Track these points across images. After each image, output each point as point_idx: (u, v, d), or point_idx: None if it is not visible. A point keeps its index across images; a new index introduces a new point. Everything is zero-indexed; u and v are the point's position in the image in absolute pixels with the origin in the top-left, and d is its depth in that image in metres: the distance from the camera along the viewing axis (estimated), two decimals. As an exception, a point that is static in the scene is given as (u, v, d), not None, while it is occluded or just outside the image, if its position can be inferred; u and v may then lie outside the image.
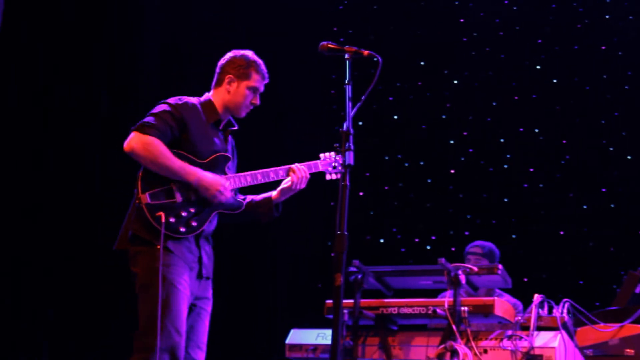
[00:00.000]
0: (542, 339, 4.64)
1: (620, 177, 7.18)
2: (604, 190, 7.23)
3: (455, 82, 7.78)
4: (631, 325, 5.02)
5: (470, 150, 7.64)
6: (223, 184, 4.55)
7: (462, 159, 7.67)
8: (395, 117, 7.82)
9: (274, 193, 4.80)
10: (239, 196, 4.81)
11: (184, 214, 4.48)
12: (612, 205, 7.19)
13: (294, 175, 4.66)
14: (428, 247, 7.68)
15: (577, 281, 7.15)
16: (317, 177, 4.74)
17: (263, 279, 7.66)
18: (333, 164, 4.74)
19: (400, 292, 5.21)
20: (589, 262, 7.14)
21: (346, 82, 3.75)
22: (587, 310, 5.55)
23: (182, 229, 4.46)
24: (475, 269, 4.81)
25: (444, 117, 7.69)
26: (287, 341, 5.23)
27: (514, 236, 7.37)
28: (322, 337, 5.11)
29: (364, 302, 4.98)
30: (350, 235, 7.66)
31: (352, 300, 4.96)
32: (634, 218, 7.07)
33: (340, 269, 3.31)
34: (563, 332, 4.68)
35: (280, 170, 4.73)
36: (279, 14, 7.61)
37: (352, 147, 3.49)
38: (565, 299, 4.84)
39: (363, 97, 3.69)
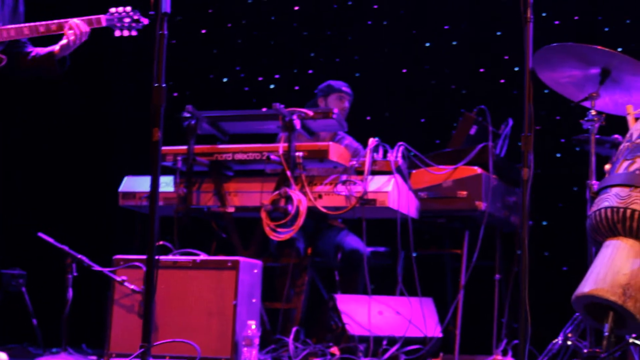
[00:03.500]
0: (376, 184, 4.68)
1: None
2: (446, 27, 7.21)
3: None
4: (464, 167, 5.10)
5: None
6: None
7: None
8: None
9: (56, 47, 4.35)
10: (29, 48, 4.42)
11: None
12: (454, 43, 7.20)
13: (71, 33, 4.28)
14: (271, 86, 7.56)
15: (418, 120, 7.19)
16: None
17: (95, 129, 7.43)
18: (123, 18, 4.29)
19: (243, 137, 5.15)
20: (430, 100, 7.19)
21: None
22: (428, 149, 5.62)
23: None
24: (311, 113, 4.76)
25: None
26: (121, 189, 5.11)
27: (357, 74, 7.31)
28: (157, 184, 5.00)
29: (198, 148, 4.89)
30: (192, 74, 7.54)
31: (185, 147, 4.86)
32: (475, 57, 7.11)
33: (157, 123, 3.16)
34: (397, 175, 4.72)
35: (52, 24, 4.29)
36: None
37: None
38: (400, 143, 4.85)
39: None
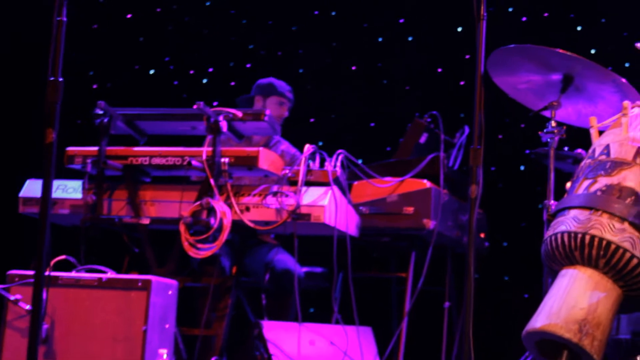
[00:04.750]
0: (311, 196, 4.63)
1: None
2: (401, 21, 7.21)
3: None
4: (412, 180, 5.07)
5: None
6: None
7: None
8: None
9: None
10: None
11: None
12: (410, 39, 7.19)
13: None
14: (204, 81, 7.50)
15: (367, 124, 7.17)
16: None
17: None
18: None
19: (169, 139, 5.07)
20: (381, 102, 7.17)
21: None
22: (378, 157, 5.60)
23: None
24: (240, 114, 4.69)
25: None
26: (21, 194, 5.01)
27: (300, 70, 7.28)
28: (63, 189, 4.92)
29: (111, 150, 4.80)
30: (115, 64, 7.45)
31: (96, 148, 4.77)
32: (433, 55, 7.12)
33: (52, 123, 3.08)
34: (335, 187, 4.67)
35: None
36: None
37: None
38: (340, 150, 4.81)
39: None
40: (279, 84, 5.83)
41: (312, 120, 7.24)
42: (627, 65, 6.50)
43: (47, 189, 3.16)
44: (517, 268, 6.68)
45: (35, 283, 3.13)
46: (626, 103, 3.68)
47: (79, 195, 4.84)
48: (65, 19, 3.17)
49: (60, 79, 3.20)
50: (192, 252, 4.55)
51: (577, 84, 4.18)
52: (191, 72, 7.54)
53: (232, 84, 7.37)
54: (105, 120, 4.78)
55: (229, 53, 7.50)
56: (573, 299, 3.42)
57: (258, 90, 5.86)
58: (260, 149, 4.65)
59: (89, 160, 4.77)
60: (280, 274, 5.24)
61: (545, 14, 6.96)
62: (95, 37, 7.57)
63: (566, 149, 4.67)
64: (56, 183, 4.92)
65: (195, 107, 4.59)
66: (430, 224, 5.01)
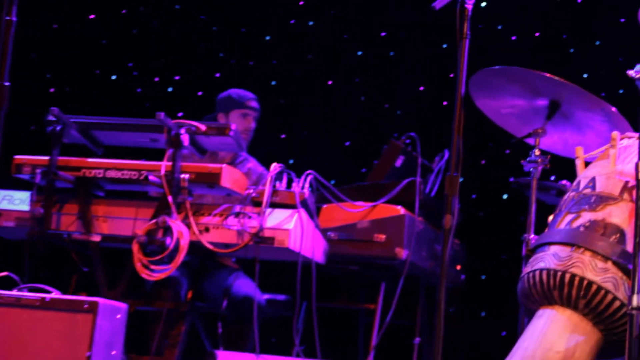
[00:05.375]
0: (276, 219, 4.60)
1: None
2: (383, 34, 7.21)
3: None
4: (385, 205, 5.06)
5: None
6: None
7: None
8: None
9: None
10: None
11: None
12: (391, 54, 7.20)
13: None
14: (170, 90, 7.47)
15: (342, 142, 7.16)
16: None
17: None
18: None
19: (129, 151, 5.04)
20: (358, 120, 7.17)
21: None
22: (353, 179, 5.58)
23: None
24: (203, 127, 4.67)
25: None
26: (-38, 203, 4.96)
27: (273, 82, 7.26)
28: (9, 200, 4.87)
29: (63, 160, 4.76)
30: (75, 68, 7.40)
31: (47, 157, 4.73)
32: (415, 72, 7.12)
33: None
34: (302, 210, 4.65)
35: None
36: None
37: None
38: (309, 171, 4.78)
39: None
40: (238, 95, 5.80)
41: (283, 136, 7.22)
42: (621, 92, 6.52)
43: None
44: (496, 303, 6.67)
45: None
46: (615, 134, 3.68)
47: (26, 207, 4.78)
48: (15, 18, 3.13)
49: (7, 84, 3.16)
50: (144, 274, 4.51)
51: (564, 110, 4.19)
52: (156, 79, 7.50)
53: (200, 93, 7.34)
54: (58, 128, 4.74)
55: (197, 61, 7.48)
56: (549, 342, 3.41)
57: (218, 106, 5.85)
58: (224, 166, 4.62)
59: (38, 171, 4.72)
60: (239, 300, 5.21)
61: (537, 34, 6.98)
62: (54, 37, 7.54)
63: (552, 178, 4.67)
64: (2, 193, 4.89)
65: (155, 118, 4.56)
66: (402, 253, 5.00)
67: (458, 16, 3.65)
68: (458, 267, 5.72)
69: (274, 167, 4.74)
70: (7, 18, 3.13)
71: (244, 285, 5.28)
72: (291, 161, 6.80)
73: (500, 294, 6.56)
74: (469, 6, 3.61)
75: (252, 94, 5.82)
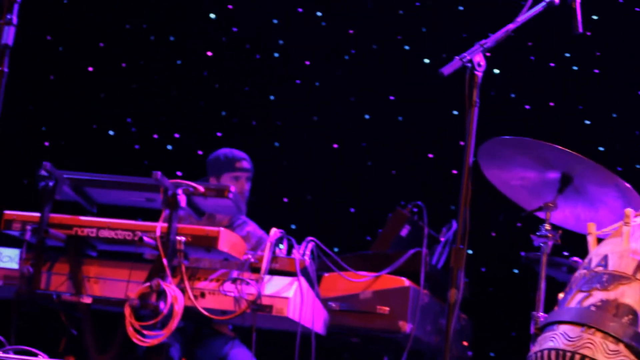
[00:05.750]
0: (275, 286, 4.62)
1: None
2: (392, 98, 7.28)
3: None
4: (389, 276, 5.07)
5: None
6: None
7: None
8: None
9: None
10: None
11: None
12: (400, 119, 7.25)
13: None
14: (169, 147, 7.52)
15: (347, 209, 7.19)
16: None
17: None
18: None
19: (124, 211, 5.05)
20: (365, 186, 7.20)
21: None
22: (357, 247, 5.59)
23: None
24: (201, 188, 4.70)
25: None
26: (-50, 259, 4.98)
27: (276, 144, 7.31)
28: (-7, 258, 4.90)
29: (55, 217, 4.79)
30: (71, 121, 7.44)
31: (38, 214, 4.76)
32: (424, 139, 7.17)
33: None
34: (302, 278, 4.67)
35: None
36: None
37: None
38: (310, 238, 4.81)
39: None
40: (226, 157, 5.81)
41: (285, 200, 7.25)
42: (638, 166, 6.57)
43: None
44: (505, 383, 6.66)
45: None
46: (628, 211, 3.70)
47: (15, 265, 4.80)
48: (6, 69, 3.18)
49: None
50: (136, 339, 4.51)
51: (576, 184, 4.21)
52: (155, 136, 7.55)
53: (200, 152, 7.38)
54: (51, 184, 4.76)
55: (198, 118, 7.53)
56: None
57: (209, 169, 5.86)
58: (222, 229, 4.64)
59: (28, 227, 4.73)
60: (235, 371, 5.20)
61: (551, 103, 7.04)
62: (54, 88, 7.60)
63: (566, 254, 4.69)
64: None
65: (152, 177, 4.59)
66: (406, 327, 5.00)
67: (467, 83, 3.69)
68: (465, 343, 5.71)
69: (274, 232, 4.77)
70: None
71: (240, 355, 5.28)
72: (293, 226, 6.83)
73: (510, 373, 6.57)
74: (479, 73, 3.66)
75: (243, 154, 5.82)
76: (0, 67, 3.16)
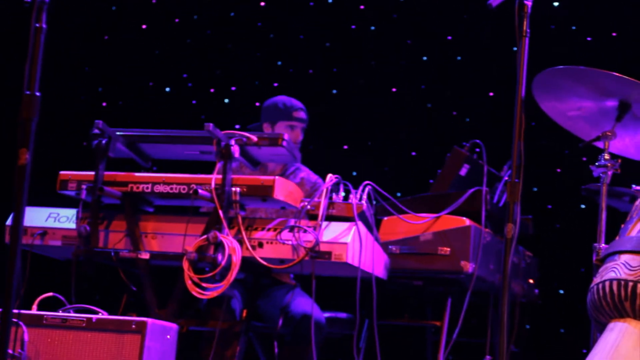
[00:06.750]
0: (332, 232, 4.58)
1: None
2: (449, 37, 7.18)
3: None
4: (449, 216, 5.02)
5: None
6: None
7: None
8: None
9: None
10: None
11: None
12: (459, 58, 7.17)
13: None
14: (226, 101, 7.51)
15: (409, 152, 7.14)
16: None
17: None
18: None
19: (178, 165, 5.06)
20: (425, 128, 7.14)
21: None
22: (419, 190, 5.54)
23: None
24: (254, 138, 4.66)
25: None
26: (9, 222, 5.02)
27: (334, 91, 7.27)
28: (55, 218, 4.92)
29: (109, 175, 4.80)
30: (127, 80, 7.46)
31: (93, 173, 4.77)
32: (484, 77, 7.08)
33: (27, 143, 3.07)
34: (360, 223, 4.62)
35: None
36: None
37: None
38: (367, 182, 4.76)
39: None
40: (285, 104, 5.77)
41: (345, 147, 7.21)
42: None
43: (17, 217, 3.16)
44: (575, 319, 6.57)
45: (2, 323, 3.11)
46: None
47: (72, 225, 4.82)
48: (45, 25, 3.15)
49: (38, 94, 3.18)
50: (196, 292, 4.51)
51: (635, 112, 4.12)
52: (212, 90, 7.54)
53: (257, 104, 7.36)
54: (104, 141, 4.77)
55: (254, 70, 7.50)
56: (622, 357, 3.35)
57: (264, 115, 5.83)
58: (277, 177, 4.61)
59: (84, 186, 4.75)
60: (297, 319, 5.18)
61: (614, 34, 6.89)
62: (105, 48, 7.62)
63: (635, 187, 4.60)
64: (48, 211, 4.94)
65: (204, 129, 4.57)
66: (468, 266, 4.95)
67: (517, 14, 3.61)
68: (531, 281, 5.65)
69: (330, 178, 4.72)
70: (37, 25, 3.14)
71: (302, 303, 5.26)
72: (354, 173, 6.79)
73: (580, 309, 6.48)
74: (529, 2, 3.57)
75: (301, 104, 5.78)
76: (39, 24, 3.12)
